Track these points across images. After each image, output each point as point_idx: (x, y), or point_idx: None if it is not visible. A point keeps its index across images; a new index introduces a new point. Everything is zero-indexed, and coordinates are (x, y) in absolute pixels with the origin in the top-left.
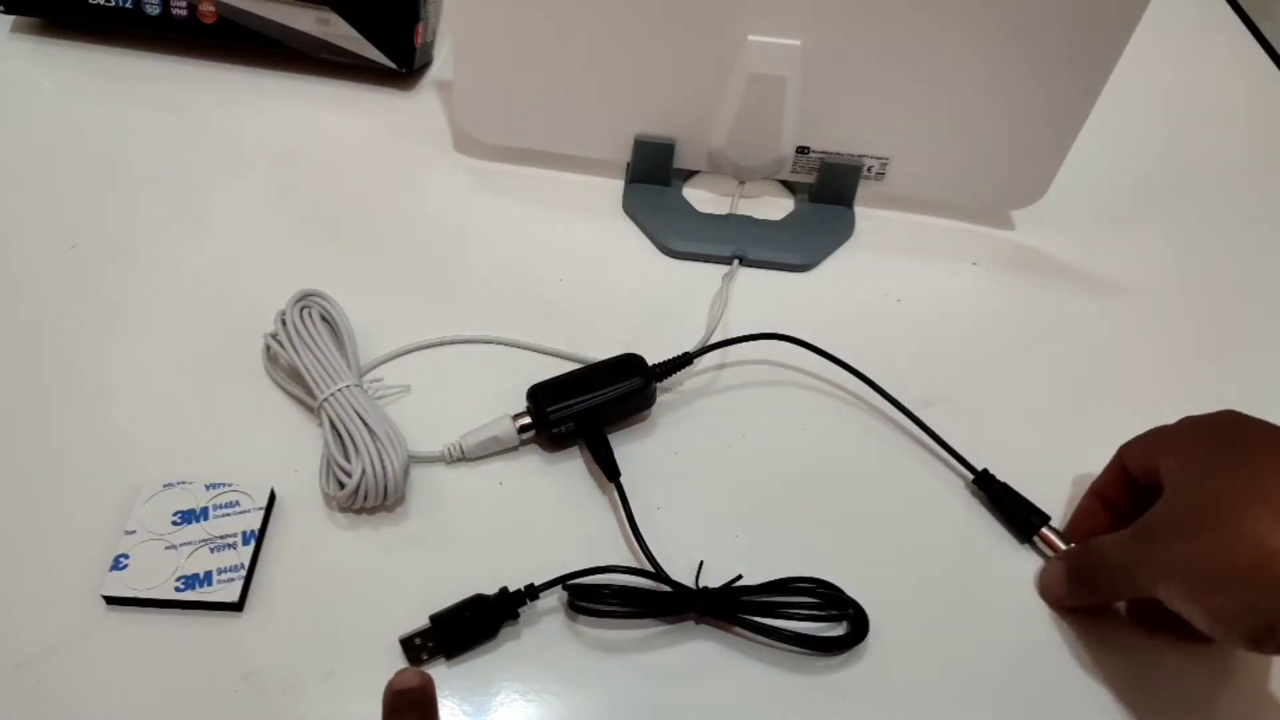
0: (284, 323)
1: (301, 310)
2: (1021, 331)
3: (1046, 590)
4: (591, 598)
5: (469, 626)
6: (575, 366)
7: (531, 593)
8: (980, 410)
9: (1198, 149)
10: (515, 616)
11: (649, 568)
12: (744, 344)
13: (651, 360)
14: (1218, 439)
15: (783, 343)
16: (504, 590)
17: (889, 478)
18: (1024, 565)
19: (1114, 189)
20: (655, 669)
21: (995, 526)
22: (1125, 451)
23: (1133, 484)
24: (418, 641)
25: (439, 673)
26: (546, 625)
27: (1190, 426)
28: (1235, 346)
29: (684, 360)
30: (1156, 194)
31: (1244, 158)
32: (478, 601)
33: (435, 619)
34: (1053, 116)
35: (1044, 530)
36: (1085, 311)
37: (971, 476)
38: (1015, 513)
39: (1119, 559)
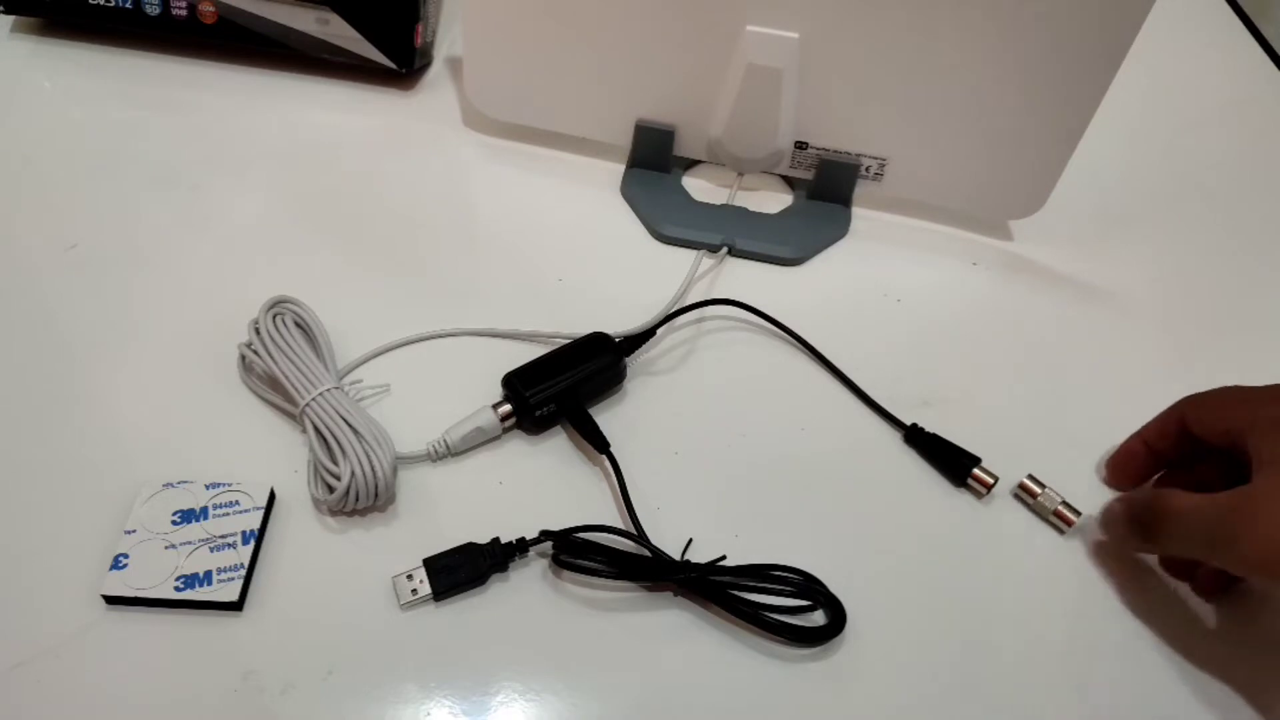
0: (258, 331)
1: (274, 317)
2: (1020, 333)
3: (1109, 528)
4: (576, 553)
5: (459, 570)
6: (546, 350)
7: (522, 546)
8: (978, 411)
9: (1197, 150)
10: (505, 568)
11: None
12: (715, 320)
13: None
14: None
15: (749, 316)
16: (496, 540)
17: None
18: (1013, 557)
19: (1113, 190)
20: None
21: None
22: (1189, 410)
23: (1186, 438)
24: (409, 577)
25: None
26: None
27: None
28: (1234, 346)
29: (647, 334)
30: (1155, 195)
31: (1244, 159)
32: (470, 548)
33: (428, 561)
34: (1052, 127)
35: (975, 470)
36: (1085, 314)
37: (902, 434)
38: (948, 459)
39: (1203, 524)
